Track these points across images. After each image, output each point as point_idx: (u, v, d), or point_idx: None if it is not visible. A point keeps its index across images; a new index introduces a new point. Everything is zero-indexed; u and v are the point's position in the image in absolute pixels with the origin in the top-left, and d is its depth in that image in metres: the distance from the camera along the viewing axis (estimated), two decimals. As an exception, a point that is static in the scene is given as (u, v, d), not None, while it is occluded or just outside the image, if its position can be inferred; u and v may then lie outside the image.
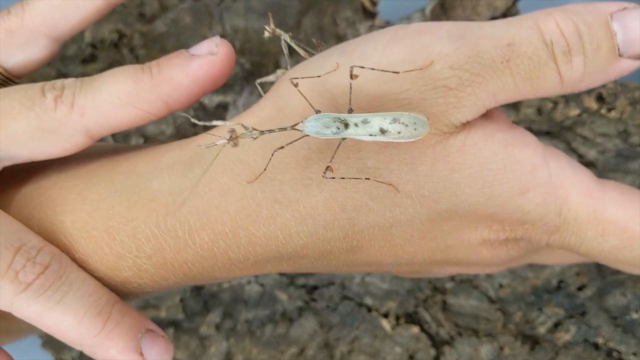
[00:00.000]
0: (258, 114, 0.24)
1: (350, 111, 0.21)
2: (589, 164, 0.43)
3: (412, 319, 0.46)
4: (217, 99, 0.47)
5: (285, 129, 0.21)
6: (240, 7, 0.47)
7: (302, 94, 0.21)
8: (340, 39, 0.44)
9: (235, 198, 0.23)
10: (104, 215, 0.24)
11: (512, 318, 0.45)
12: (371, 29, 0.43)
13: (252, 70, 0.46)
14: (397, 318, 0.46)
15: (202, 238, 0.23)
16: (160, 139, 0.46)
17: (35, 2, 0.25)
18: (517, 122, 0.41)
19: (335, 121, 0.21)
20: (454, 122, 0.21)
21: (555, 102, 0.40)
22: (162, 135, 0.46)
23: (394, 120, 0.20)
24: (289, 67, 0.24)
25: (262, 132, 0.21)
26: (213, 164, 0.23)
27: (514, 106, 0.41)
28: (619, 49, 0.21)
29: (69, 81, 0.24)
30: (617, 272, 0.46)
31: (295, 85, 0.21)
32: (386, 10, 0.45)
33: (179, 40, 0.47)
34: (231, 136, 0.20)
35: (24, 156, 0.24)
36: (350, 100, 0.21)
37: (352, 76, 0.21)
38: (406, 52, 0.21)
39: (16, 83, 0.26)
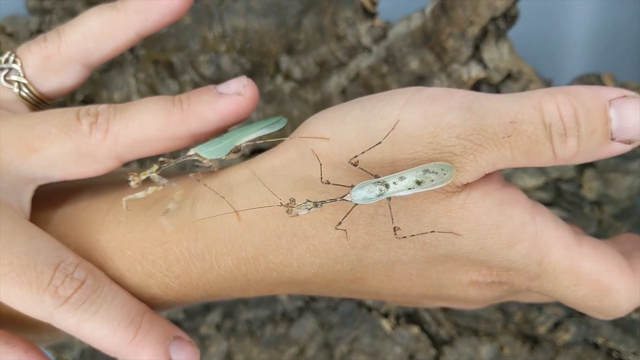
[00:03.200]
0: (282, 155, 0.26)
1: (377, 176, 0.24)
2: (588, 164, 0.43)
3: (412, 318, 0.46)
4: (217, 99, 0.47)
5: (335, 199, 0.24)
6: (240, 7, 0.47)
7: (362, 169, 0.24)
8: (340, 39, 0.44)
9: (259, 229, 0.25)
10: (139, 237, 0.26)
11: (512, 318, 0.45)
12: (371, 29, 0.43)
13: (252, 70, 0.46)
14: (397, 318, 0.46)
15: (227, 262, 0.26)
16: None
17: (72, 32, 0.27)
18: (517, 122, 0.42)
19: (376, 185, 0.23)
20: (456, 183, 0.24)
21: (555, 102, 0.40)
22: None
23: (425, 171, 0.23)
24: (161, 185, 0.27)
25: (315, 204, 0.23)
26: (241, 198, 0.25)
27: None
28: (612, 134, 0.23)
29: (102, 107, 0.26)
30: (617, 272, 0.46)
31: (355, 164, 0.24)
32: (386, 10, 0.45)
33: (179, 41, 0.47)
34: (288, 204, 0.23)
35: (58, 176, 0.26)
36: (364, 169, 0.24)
37: (354, 164, 0.24)
38: (420, 117, 0.23)
39: (47, 105, 0.28)
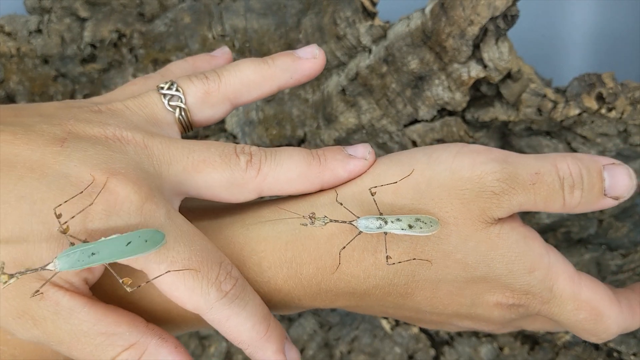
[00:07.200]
0: (359, 184, 0.31)
1: (381, 214, 0.29)
2: (589, 164, 0.43)
3: (411, 319, 0.46)
4: (217, 98, 0.47)
5: (345, 222, 0.29)
6: (240, 7, 0.47)
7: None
8: (340, 38, 0.44)
9: (338, 242, 0.30)
10: (238, 247, 0.31)
11: (512, 318, 0.45)
12: (371, 28, 0.43)
13: (251, 70, 0.46)
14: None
15: (308, 270, 0.30)
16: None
17: (229, 75, 0.32)
18: (517, 122, 0.41)
19: (377, 219, 0.29)
20: (494, 216, 0.30)
21: (555, 102, 0.40)
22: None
23: (417, 220, 0.29)
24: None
25: (331, 220, 0.29)
26: (324, 214, 0.30)
27: (514, 105, 0.41)
28: (605, 190, 0.30)
29: (254, 149, 0.31)
30: (617, 272, 0.46)
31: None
32: (386, 10, 0.45)
33: (178, 40, 0.47)
34: (311, 216, 0.28)
35: (206, 196, 0.31)
36: (377, 207, 0.30)
37: (372, 194, 0.29)
38: (470, 164, 0.30)
39: (191, 130, 0.33)
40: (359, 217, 0.29)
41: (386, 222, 0.29)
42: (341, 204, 0.30)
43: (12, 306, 0.25)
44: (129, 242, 0.26)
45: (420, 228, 0.29)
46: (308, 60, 0.33)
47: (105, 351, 0.26)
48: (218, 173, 0.30)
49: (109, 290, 0.29)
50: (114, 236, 0.25)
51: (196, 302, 0.27)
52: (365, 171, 0.32)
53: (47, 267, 0.25)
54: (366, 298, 0.31)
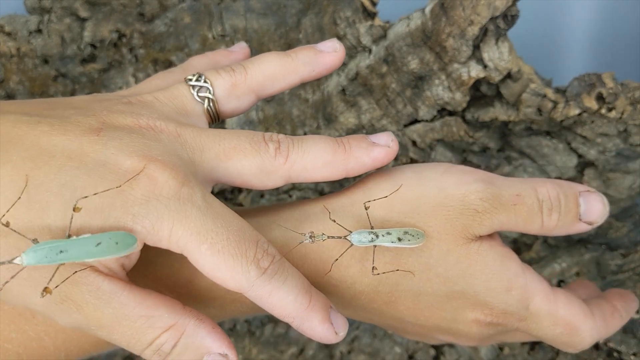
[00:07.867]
0: (350, 196, 0.33)
1: (372, 228, 0.31)
2: (589, 164, 0.43)
3: (411, 319, 0.46)
4: (217, 98, 0.47)
5: (340, 237, 0.31)
6: (240, 7, 0.47)
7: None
8: (339, 38, 0.44)
9: (327, 248, 0.32)
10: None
11: (512, 318, 0.45)
12: (371, 28, 0.43)
13: (251, 70, 0.46)
14: (397, 318, 0.46)
15: (301, 271, 0.31)
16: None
17: (254, 68, 0.34)
18: (517, 122, 0.41)
19: (370, 233, 0.30)
20: (475, 233, 0.31)
21: (555, 102, 0.40)
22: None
23: (405, 233, 0.30)
24: None
25: (329, 237, 0.30)
26: (317, 224, 0.32)
27: (514, 105, 0.41)
28: (580, 215, 0.33)
29: (282, 137, 0.32)
30: (617, 272, 0.46)
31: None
32: (386, 10, 0.45)
33: (178, 40, 0.47)
34: (311, 235, 0.30)
35: (237, 182, 0.32)
36: (370, 221, 0.31)
37: (366, 207, 0.31)
38: (456, 182, 0.32)
39: (218, 120, 0.34)
40: (351, 232, 0.30)
41: (377, 236, 0.30)
42: (334, 221, 0.31)
43: (55, 292, 0.26)
44: (99, 243, 0.25)
45: (409, 240, 0.30)
46: (329, 53, 0.34)
47: (145, 333, 0.27)
48: (248, 160, 0.31)
49: (143, 277, 0.30)
50: (84, 236, 0.25)
51: (238, 281, 0.28)
52: (391, 160, 0.33)
53: (14, 261, 0.25)
54: (352, 303, 0.33)
